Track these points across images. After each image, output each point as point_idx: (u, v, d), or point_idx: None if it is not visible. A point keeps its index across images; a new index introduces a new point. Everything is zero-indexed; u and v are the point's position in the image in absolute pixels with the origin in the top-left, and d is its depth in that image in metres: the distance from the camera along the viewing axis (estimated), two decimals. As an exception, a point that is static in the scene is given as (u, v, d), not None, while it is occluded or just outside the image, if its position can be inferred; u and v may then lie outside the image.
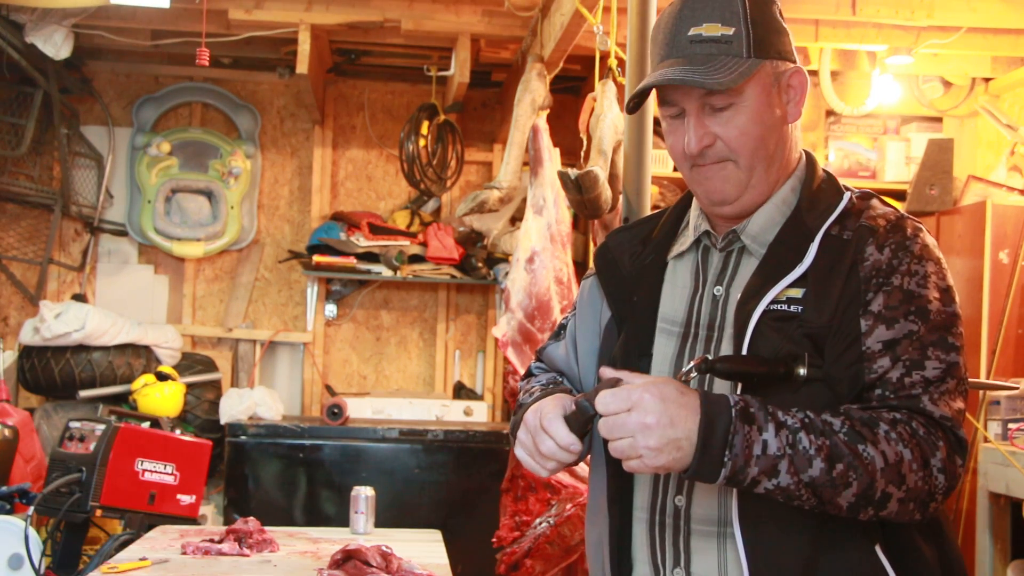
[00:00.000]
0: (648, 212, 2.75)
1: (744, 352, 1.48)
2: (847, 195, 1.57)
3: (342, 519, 3.14)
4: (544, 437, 1.51)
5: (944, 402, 1.46)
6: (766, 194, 1.58)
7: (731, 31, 1.52)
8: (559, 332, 1.83)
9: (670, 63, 1.54)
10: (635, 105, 1.64)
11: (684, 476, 1.40)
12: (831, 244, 1.51)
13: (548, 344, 1.85)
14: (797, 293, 1.49)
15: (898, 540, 1.49)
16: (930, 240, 1.54)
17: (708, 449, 1.36)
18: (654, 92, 1.60)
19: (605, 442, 1.64)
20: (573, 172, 3.16)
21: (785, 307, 1.48)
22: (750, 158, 1.55)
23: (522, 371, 3.52)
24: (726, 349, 1.53)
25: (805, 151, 1.65)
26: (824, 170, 1.64)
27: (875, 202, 1.58)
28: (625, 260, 1.71)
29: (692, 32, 1.53)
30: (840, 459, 1.38)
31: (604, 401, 1.39)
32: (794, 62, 1.59)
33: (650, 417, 1.36)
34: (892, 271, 1.48)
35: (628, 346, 1.63)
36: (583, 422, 1.49)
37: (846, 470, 1.38)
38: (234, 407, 4.79)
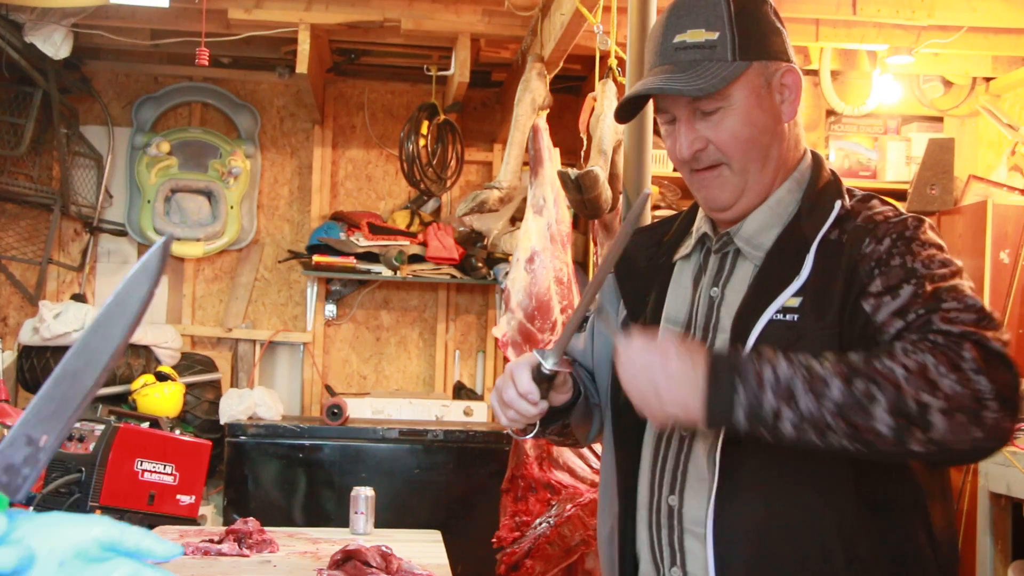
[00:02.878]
0: (648, 212, 2.76)
1: None
2: (838, 203, 1.55)
3: (342, 519, 3.13)
4: (509, 383, 1.55)
5: (962, 323, 1.36)
6: (763, 195, 1.58)
7: (715, 35, 1.53)
8: (583, 324, 1.85)
9: (656, 71, 1.56)
10: (624, 116, 1.66)
11: (706, 423, 1.36)
12: (828, 249, 1.50)
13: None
14: (795, 303, 1.48)
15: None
16: (933, 233, 1.51)
17: (718, 380, 1.34)
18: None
19: (613, 434, 1.65)
20: (573, 172, 3.16)
21: (782, 317, 1.48)
22: (742, 160, 1.55)
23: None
24: None
25: (813, 152, 1.65)
26: (831, 171, 1.63)
27: (875, 202, 1.56)
28: (641, 260, 1.73)
29: (677, 39, 1.55)
30: (857, 375, 1.31)
31: (627, 345, 1.41)
32: (788, 61, 1.59)
33: (671, 358, 1.37)
34: (891, 256, 1.46)
35: None
36: (543, 378, 1.53)
37: (867, 385, 1.30)
38: (234, 407, 4.79)
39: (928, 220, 1.53)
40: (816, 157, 1.64)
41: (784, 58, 1.59)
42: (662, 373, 1.36)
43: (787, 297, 1.49)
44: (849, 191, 1.60)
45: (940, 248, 1.48)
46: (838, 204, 1.55)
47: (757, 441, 1.37)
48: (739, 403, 1.33)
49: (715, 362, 1.36)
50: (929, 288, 1.41)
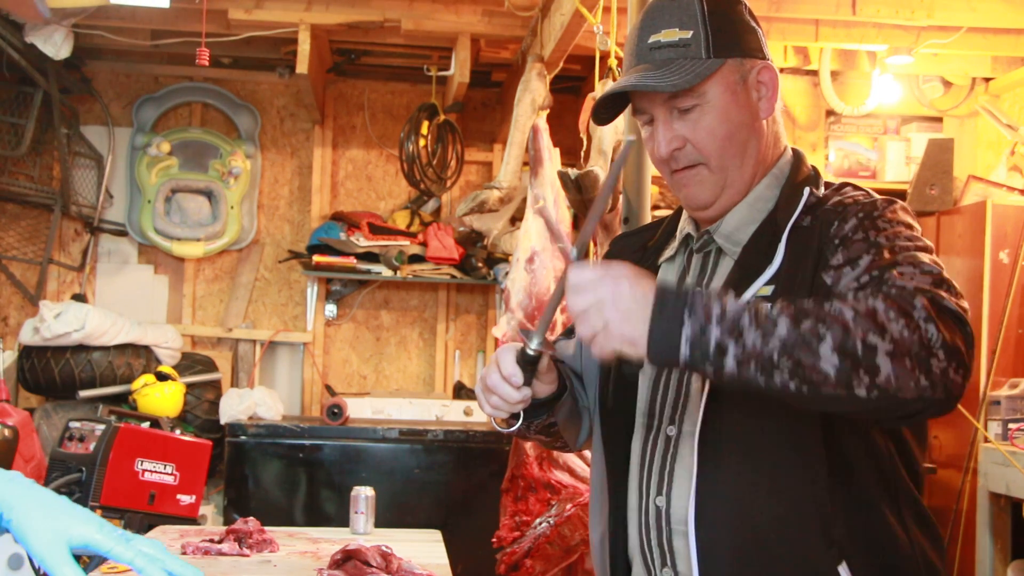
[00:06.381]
0: (648, 212, 2.77)
1: None
2: (807, 190, 1.55)
3: (342, 519, 3.14)
4: (493, 368, 1.52)
5: (917, 282, 1.34)
6: (743, 192, 1.59)
7: (688, 34, 1.54)
8: (571, 330, 1.84)
9: (632, 71, 1.57)
10: (602, 118, 1.66)
11: (648, 355, 1.31)
12: (799, 236, 1.50)
13: (559, 339, 1.86)
14: (767, 291, 1.48)
15: (874, 567, 1.45)
16: (903, 214, 1.49)
17: (664, 308, 1.30)
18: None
19: (601, 438, 1.65)
20: (573, 172, 3.16)
21: None
22: (720, 158, 1.56)
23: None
24: None
25: (793, 149, 1.65)
26: (812, 167, 1.63)
27: (847, 188, 1.56)
28: None
29: (652, 39, 1.56)
30: (806, 315, 1.28)
31: (579, 277, 1.35)
32: (764, 59, 1.59)
33: (623, 295, 1.32)
34: (855, 232, 1.45)
35: None
36: (527, 360, 1.49)
37: (815, 324, 1.27)
38: (234, 407, 4.79)
39: (901, 202, 1.52)
40: (796, 153, 1.64)
41: (759, 56, 1.59)
42: (614, 310, 1.31)
43: (759, 286, 1.49)
44: (828, 183, 1.60)
45: (909, 227, 1.46)
46: (807, 191, 1.55)
47: (735, 438, 1.35)
48: (684, 335, 1.29)
49: (662, 294, 1.31)
50: (887, 256, 1.40)
